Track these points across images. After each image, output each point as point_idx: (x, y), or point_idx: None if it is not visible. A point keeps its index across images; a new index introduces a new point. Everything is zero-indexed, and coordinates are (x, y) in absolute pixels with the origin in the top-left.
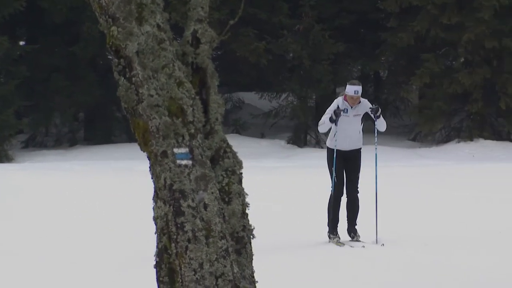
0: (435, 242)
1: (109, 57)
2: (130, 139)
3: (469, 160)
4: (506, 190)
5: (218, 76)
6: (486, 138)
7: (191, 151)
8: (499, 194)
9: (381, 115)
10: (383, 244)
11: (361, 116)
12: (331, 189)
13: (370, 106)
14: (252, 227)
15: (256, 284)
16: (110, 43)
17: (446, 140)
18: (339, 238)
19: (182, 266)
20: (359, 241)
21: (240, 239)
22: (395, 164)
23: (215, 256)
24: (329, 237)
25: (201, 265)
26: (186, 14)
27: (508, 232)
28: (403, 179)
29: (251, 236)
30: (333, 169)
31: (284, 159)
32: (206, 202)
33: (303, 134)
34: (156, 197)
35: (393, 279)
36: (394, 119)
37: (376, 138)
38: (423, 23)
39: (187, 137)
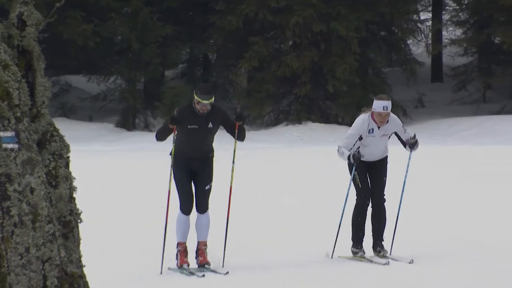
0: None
1: None
2: None
3: (297, 143)
4: (334, 171)
5: (44, 59)
6: (314, 121)
7: (17, 134)
8: (327, 175)
9: (418, 144)
10: (412, 261)
11: (389, 135)
12: (355, 197)
13: (401, 126)
14: (80, 211)
15: (84, 268)
16: None
17: (275, 123)
18: (364, 253)
19: (8, 251)
20: (386, 257)
21: (67, 223)
22: (224, 147)
23: (42, 240)
24: (353, 252)
25: (27, 250)
26: None
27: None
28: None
29: (79, 220)
30: (355, 173)
31: (113, 143)
32: (33, 186)
33: (131, 117)
34: None
35: None
36: (223, 102)
37: (408, 160)
38: (251, 6)
39: (13, 121)
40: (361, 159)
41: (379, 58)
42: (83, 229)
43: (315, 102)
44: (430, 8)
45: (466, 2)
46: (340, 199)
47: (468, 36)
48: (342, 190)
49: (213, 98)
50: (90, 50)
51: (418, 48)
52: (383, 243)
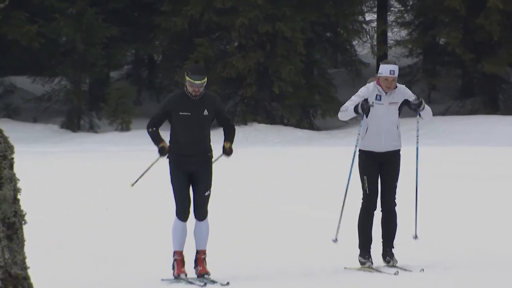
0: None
1: None
2: None
3: (243, 143)
4: (280, 171)
5: None
6: (260, 122)
7: None
8: (274, 174)
9: (424, 104)
10: (423, 270)
11: (399, 105)
12: (361, 200)
13: (412, 97)
14: (24, 213)
15: (28, 270)
16: None
17: None
18: (372, 263)
19: None
20: (395, 266)
21: (11, 225)
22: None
23: None
24: (361, 263)
25: None
26: None
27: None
28: None
29: (23, 222)
30: (365, 178)
31: (57, 144)
32: None
33: (76, 119)
34: None
35: None
36: None
37: (417, 131)
38: (196, 7)
39: None
40: (371, 148)
41: (324, 59)
42: (28, 230)
43: (261, 103)
44: (375, 9)
45: (411, 3)
46: (309, 199)
47: (413, 37)
48: (311, 190)
49: (206, 79)
50: (34, 51)
51: (364, 49)
52: (393, 251)
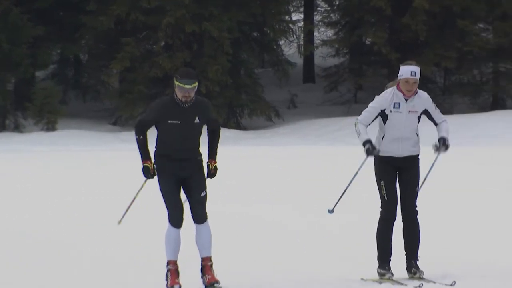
0: None
1: None
2: None
3: None
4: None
5: None
6: None
7: None
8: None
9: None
10: (454, 283)
11: (418, 114)
12: (380, 209)
13: (432, 108)
14: None
15: None
16: None
17: None
18: (392, 275)
19: None
20: (422, 278)
21: None
22: (95, 148)
23: None
24: (379, 274)
25: None
26: None
27: None
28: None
29: None
30: (382, 183)
31: None
32: None
33: (1, 118)
34: None
35: None
36: (95, 103)
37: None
38: (123, 6)
39: None
40: (389, 154)
41: (251, 59)
42: None
43: None
44: (302, 9)
45: (337, 3)
46: (265, 199)
47: (340, 37)
48: (263, 190)
49: (197, 84)
50: None
51: (290, 49)
52: (418, 263)
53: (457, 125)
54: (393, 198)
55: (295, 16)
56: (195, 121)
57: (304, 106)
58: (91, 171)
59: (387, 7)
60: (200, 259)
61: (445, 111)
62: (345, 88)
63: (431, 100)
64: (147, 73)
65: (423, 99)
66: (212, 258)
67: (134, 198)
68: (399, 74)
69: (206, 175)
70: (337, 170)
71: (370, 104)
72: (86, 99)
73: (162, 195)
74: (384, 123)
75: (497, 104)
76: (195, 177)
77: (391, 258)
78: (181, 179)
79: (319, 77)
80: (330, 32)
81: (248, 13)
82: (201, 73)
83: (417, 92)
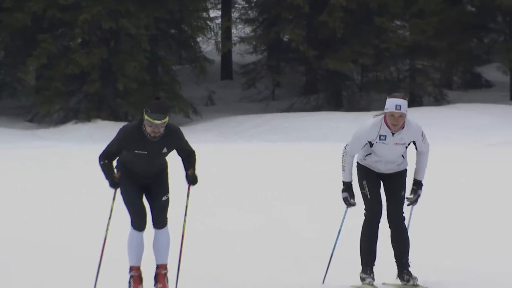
0: None
1: None
2: None
3: (87, 141)
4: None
5: None
6: (104, 118)
7: None
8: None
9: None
10: None
11: (406, 145)
12: (363, 211)
13: (420, 140)
14: None
15: None
16: None
17: (64, 121)
18: (373, 279)
19: None
20: (417, 285)
21: None
22: (12, 146)
23: None
24: (361, 279)
25: None
26: None
27: None
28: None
29: None
30: (364, 182)
31: None
32: None
33: None
34: None
35: None
36: (12, 100)
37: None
38: (39, 3)
39: None
40: (371, 168)
41: (169, 55)
42: None
43: (105, 99)
44: (219, 6)
45: (255, 0)
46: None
47: (257, 34)
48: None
49: (167, 119)
50: None
51: (208, 46)
52: (410, 269)
53: None
54: (377, 196)
55: (212, 13)
56: (163, 151)
57: (222, 103)
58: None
59: (305, 5)
60: (155, 266)
61: (363, 108)
62: (263, 85)
63: (421, 131)
64: (64, 69)
65: (413, 131)
66: (167, 266)
67: (111, 209)
68: (385, 107)
69: (168, 180)
70: (255, 168)
71: (355, 135)
72: (3, 96)
73: (123, 198)
74: (371, 146)
75: (414, 101)
76: (158, 181)
77: (375, 263)
78: (144, 185)
79: (237, 74)
80: (248, 29)
81: (165, 10)
82: (118, 70)
83: (404, 126)
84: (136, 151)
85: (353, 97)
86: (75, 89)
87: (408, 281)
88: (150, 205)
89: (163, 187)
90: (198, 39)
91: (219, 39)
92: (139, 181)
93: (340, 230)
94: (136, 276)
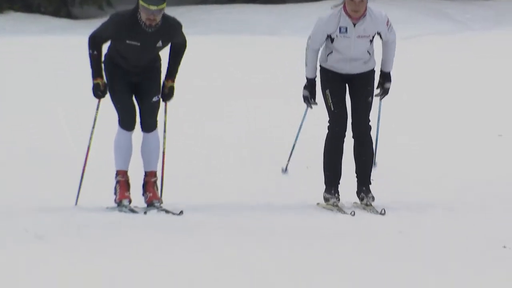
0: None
1: None
2: None
3: (0, 32)
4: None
5: None
6: (16, 10)
7: None
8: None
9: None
10: (384, 211)
11: (370, 37)
12: (327, 125)
13: (385, 29)
14: None
15: None
16: None
17: None
18: (338, 200)
19: None
20: (369, 205)
21: None
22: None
23: None
24: (325, 199)
25: None
26: None
27: None
28: None
29: None
30: (327, 92)
31: None
32: None
33: None
34: None
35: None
36: None
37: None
38: None
39: None
40: (335, 70)
41: None
42: None
43: None
44: None
45: None
46: None
47: None
48: None
49: (165, 5)
50: None
51: None
52: (370, 186)
53: (289, 15)
54: (342, 109)
55: None
56: (158, 45)
57: None
58: None
59: None
60: (144, 174)
61: None
62: None
63: (386, 20)
64: None
65: (376, 21)
66: (157, 174)
67: (93, 127)
68: None
69: (162, 80)
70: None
71: (314, 28)
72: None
73: (111, 95)
74: (332, 42)
75: None
76: (149, 80)
77: (340, 182)
78: (133, 83)
79: None
80: None
81: None
82: None
83: (366, 15)
84: (127, 41)
85: None
86: None
87: (362, 199)
88: (139, 106)
89: (155, 87)
90: None
91: None
92: (128, 78)
93: (299, 130)
94: (122, 181)
